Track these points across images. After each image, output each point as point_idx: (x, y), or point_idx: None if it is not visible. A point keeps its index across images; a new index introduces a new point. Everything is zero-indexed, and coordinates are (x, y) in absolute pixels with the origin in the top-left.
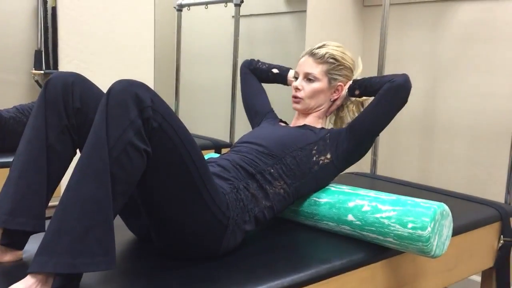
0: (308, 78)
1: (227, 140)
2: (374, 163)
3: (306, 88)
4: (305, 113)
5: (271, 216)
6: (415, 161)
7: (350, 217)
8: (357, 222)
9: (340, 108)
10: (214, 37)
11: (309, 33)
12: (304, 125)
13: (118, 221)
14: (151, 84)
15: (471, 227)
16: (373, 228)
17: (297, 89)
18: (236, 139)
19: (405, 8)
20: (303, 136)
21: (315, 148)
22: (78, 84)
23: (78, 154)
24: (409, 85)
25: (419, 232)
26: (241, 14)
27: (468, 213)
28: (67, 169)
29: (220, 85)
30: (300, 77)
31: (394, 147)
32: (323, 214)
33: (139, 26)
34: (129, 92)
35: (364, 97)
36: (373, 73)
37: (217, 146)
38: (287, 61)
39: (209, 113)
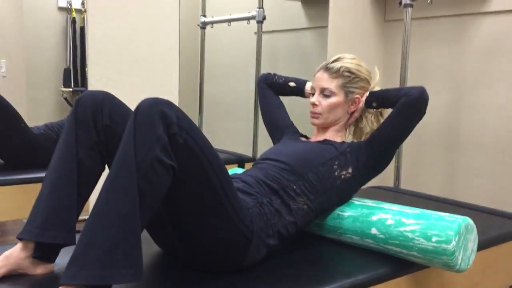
0: (324, 93)
1: (250, 154)
2: (397, 176)
3: (323, 103)
4: (324, 127)
5: (294, 231)
6: (440, 174)
7: (373, 231)
8: (381, 236)
9: (359, 119)
10: (237, 54)
11: (330, 48)
12: (325, 140)
13: (144, 234)
14: (175, 100)
15: (497, 241)
16: (397, 242)
17: (314, 105)
18: (259, 153)
19: (427, 22)
20: (324, 151)
21: (336, 163)
22: (107, 102)
23: (107, 169)
24: (425, 97)
25: (444, 245)
26: (263, 30)
27: (494, 227)
28: (96, 183)
29: (243, 100)
30: (317, 93)
31: (418, 160)
32: (346, 227)
33: (164, 45)
34: (156, 109)
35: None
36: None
37: (240, 160)
38: (309, 77)
39: (232, 128)
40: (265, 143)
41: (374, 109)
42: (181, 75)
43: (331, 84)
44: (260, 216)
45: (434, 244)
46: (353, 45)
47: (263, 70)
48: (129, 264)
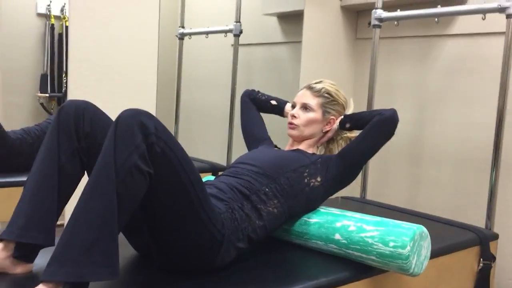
0: (305, 107)
1: (224, 163)
2: (364, 187)
3: (302, 117)
4: (299, 140)
5: (264, 235)
6: (404, 186)
7: (337, 236)
8: (343, 241)
9: (330, 141)
10: (213, 65)
11: (304, 62)
12: (298, 149)
13: (121, 238)
14: (153, 109)
15: (451, 249)
16: (357, 247)
17: (293, 116)
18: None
19: (395, 41)
20: (296, 158)
21: (307, 171)
22: (89, 111)
23: (86, 176)
24: (396, 119)
25: (400, 250)
26: (240, 43)
27: (449, 236)
28: (75, 188)
29: (218, 110)
30: (297, 107)
31: (384, 172)
32: (312, 233)
33: (143, 55)
34: (135, 120)
35: (352, 134)
36: (364, 102)
37: (214, 169)
38: (283, 88)
39: (207, 137)
40: (239, 152)
41: (346, 133)
42: (159, 84)
43: (313, 101)
44: (231, 220)
45: (391, 249)
46: (325, 60)
47: (239, 81)
48: (106, 263)
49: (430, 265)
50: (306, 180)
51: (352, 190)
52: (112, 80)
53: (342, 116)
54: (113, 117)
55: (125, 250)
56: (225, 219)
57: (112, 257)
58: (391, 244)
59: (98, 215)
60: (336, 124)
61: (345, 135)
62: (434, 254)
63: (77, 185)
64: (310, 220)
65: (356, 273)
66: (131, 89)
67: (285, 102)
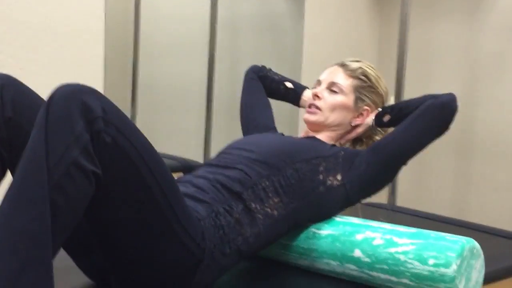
0: (332, 89)
1: (201, 159)
2: (393, 191)
3: (328, 99)
4: (317, 129)
5: (257, 247)
6: (448, 189)
7: (357, 253)
8: (366, 259)
9: (358, 141)
10: (183, 25)
11: (308, 20)
12: (313, 137)
13: (66, 261)
14: (99, 86)
15: (510, 273)
16: (385, 267)
17: (316, 96)
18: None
19: None
20: (310, 147)
21: (323, 164)
22: (9, 88)
23: (9, 175)
24: (455, 106)
25: (442, 270)
26: None
27: (508, 255)
28: None
29: (192, 88)
30: (323, 86)
31: (421, 171)
32: (323, 249)
33: (84, 11)
34: (74, 100)
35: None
36: (390, 75)
37: (186, 168)
38: (280, 56)
39: (178, 125)
40: (220, 145)
41: (382, 131)
42: (107, 52)
43: (344, 81)
44: (215, 229)
45: (431, 268)
46: (338, 17)
47: (220, 48)
48: None
49: None
50: (321, 177)
51: (376, 194)
52: (43, 46)
53: (380, 109)
54: (44, 96)
55: (73, 277)
56: (206, 227)
57: None
58: (431, 261)
59: (24, 233)
60: (370, 118)
61: (379, 136)
62: (489, 278)
63: None
64: (321, 232)
65: None
66: (68, 59)
67: (304, 88)
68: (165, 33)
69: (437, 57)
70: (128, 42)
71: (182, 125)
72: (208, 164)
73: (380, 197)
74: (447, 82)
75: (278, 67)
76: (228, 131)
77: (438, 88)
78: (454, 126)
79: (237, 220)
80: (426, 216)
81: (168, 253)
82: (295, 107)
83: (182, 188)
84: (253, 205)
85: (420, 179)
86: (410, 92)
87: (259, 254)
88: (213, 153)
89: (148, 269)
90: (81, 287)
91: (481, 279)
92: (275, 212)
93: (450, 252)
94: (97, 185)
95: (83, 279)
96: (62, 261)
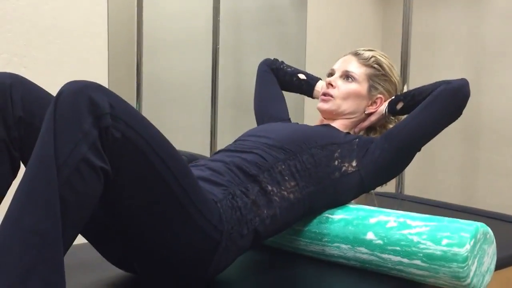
0: (347, 76)
1: (207, 154)
2: (400, 179)
3: (342, 87)
4: (331, 117)
5: (273, 230)
6: (455, 176)
7: (369, 235)
8: (378, 241)
9: (372, 129)
10: (186, 20)
11: (311, 9)
12: (329, 125)
13: (89, 251)
14: (104, 84)
15: None
16: (397, 248)
17: (330, 84)
18: None
19: None
20: (325, 134)
21: (338, 151)
22: (18, 87)
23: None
24: (468, 92)
25: (455, 249)
26: None
27: None
28: (3, 196)
29: (196, 82)
30: (336, 74)
31: (428, 159)
32: (335, 233)
33: (87, 8)
34: (82, 96)
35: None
36: (395, 62)
37: (193, 161)
38: (283, 49)
39: (182, 120)
40: (228, 141)
41: (395, 119)
42: (111, 49)
43: (358, 69)
44: (233, 210)
45: (444, 248)
46: (340, 6)
47: (223, 42)
48: None
49: (494, 278)
50: (336, 163)
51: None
52: (47, 44)
53: (393, 97)
54: (52, 94)
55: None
56: (223, 210)
57: (56, 287)
58: (445, 241)
59: (34, 231)
60: (383, 106)
61: (392, 124)
62: (500, 265)
63: (5, 192)
64: (334, 216)
65: None
66: (73, 56)
67: (317, 79)
68: (168, 28)
69: (441, 45)
70: (131, 38)
71: (187, 120)
72: (224, 150)
73: (388, 186)
74: (452, 70)
75: (282, 59)
76: (233, 124)
77: (443, 76)
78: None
79: (253, 201)
80: (436, 204)
81: (187, 238)
82: (301, 97)
83: (198, 172)
84: (270, 188)
85: (427, 167)
86: (415, 81)
87: (269, 242)
88: (220, 147)
89: (167, 254)
90: (92, 283)
91: (492, 267)
92: (291, 196)
93: (464, 232)
94: (106, 180)
95: (93, 276)
96: (74, 257)
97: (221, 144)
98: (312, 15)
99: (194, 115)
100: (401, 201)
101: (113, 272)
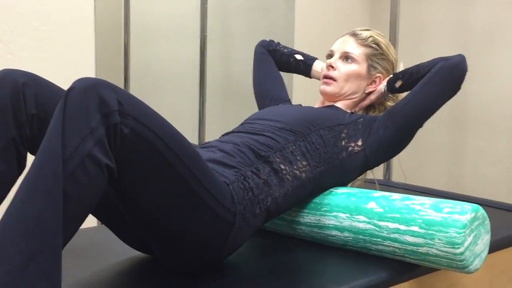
0: (346, 57)
1: (195, 141)
2: (387, 166)
3: (342, 69)
4: (333, 99)
5: (285, 208)
6: (443, 163)
7: (371, 204)
8: (378, 210)
9: (371, 108)
10: (175, 6)
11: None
12: (333, 106)
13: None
14: (91, 70)
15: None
16: (397, 215)
17: (330, 67)
18: (207, 140)
19: None
20: (331, 115)
21: (345, 131)
22: (31, 85)
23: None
24: (465, 67)
25: (456, 216)
26: None
27: (508, 225)
28: (7, 193)
29: (184, 69)
30: (336, 56)
31: (415, 146)
32: (336, 203)
33: None
34: (92, 94)
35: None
36: None
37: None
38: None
39: (170, 107)
40: (216, 128)
41: (394, 97)
42: (97, 35)
43: (356, 50)
44: (245, 191)
45: (444, 215)
46: None
47: (211, 29)
48: (43, 284)
49: (485, 262)
50: (343, 143)
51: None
52: (32, 31)
53: (391, 75)
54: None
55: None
56: (235, 191)
57: (53, 279)
58: (446, 210)
59: (37, 220)
60: (382, 85)
61: (391, 102)
62: (491, 249)
63: (9, 189)
64: (338, 190)
65: (393, 274)
66: (59, 42)
67: (314, 59)
68: (155, 15)
69: (429, 32)
70: (119, 24)
71: (175, 108)
72: (233, 131)
73: (375, 173)
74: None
75: None
76: (221, 111)
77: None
78: None
79: (265, 181)
80: (423, 190)
81: (202, 222)
82: (289, 76)
83: (209, 154)
84: (282, 167)
85: (415, 154)
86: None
87: (267, 226)
88: (208, 134)
89: (183, 238)
90: (88, 278)
91: (484, 255)
92: (303, 175)
93: (467, 205)
94: (110, 177)
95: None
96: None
97: (209, 130)
98: (301, 2)
99: (182, 102)
100: (388, 188)
101: (129, 254)
